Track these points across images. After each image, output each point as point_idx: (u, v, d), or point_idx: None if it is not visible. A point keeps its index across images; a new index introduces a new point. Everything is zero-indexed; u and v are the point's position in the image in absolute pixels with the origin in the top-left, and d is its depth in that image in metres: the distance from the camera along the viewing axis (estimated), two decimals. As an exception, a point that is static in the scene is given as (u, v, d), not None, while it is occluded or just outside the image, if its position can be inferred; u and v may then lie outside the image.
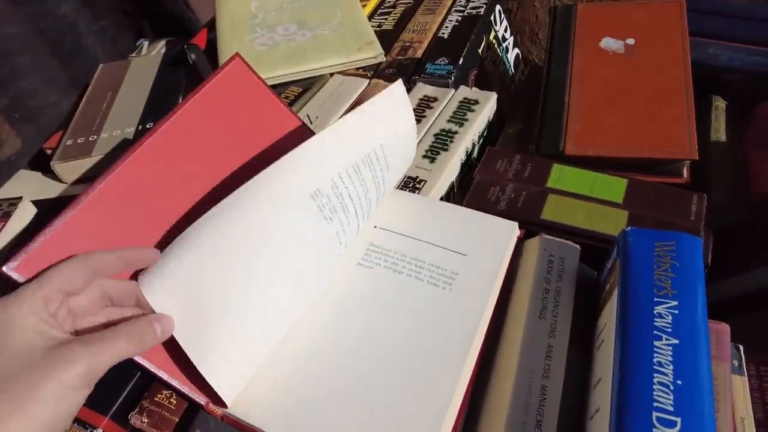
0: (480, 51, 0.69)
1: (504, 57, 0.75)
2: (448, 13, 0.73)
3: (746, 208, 0.50)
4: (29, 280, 0.30)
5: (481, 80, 0.69)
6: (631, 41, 0.58)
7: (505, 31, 0.77)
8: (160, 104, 0.73)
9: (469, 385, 0.35)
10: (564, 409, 0.34)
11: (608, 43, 0.58)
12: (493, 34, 0.73)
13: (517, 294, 0.40)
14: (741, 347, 0.37)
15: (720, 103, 0.59)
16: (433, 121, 0.58)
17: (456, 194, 0.56)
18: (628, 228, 0.37)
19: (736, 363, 0.36)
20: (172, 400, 0.37)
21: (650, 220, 0.45)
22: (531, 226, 0.46)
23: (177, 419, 0.37)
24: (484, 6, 0.72)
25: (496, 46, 0.73)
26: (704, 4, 0.66)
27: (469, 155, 0.57)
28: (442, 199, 0.53)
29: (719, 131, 0.57)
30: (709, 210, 0.49)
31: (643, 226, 0.44)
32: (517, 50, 0.80)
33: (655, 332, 0.32)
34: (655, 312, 0.33)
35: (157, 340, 0.32)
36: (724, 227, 0.52)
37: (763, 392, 0.36)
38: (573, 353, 0.36)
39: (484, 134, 0.60)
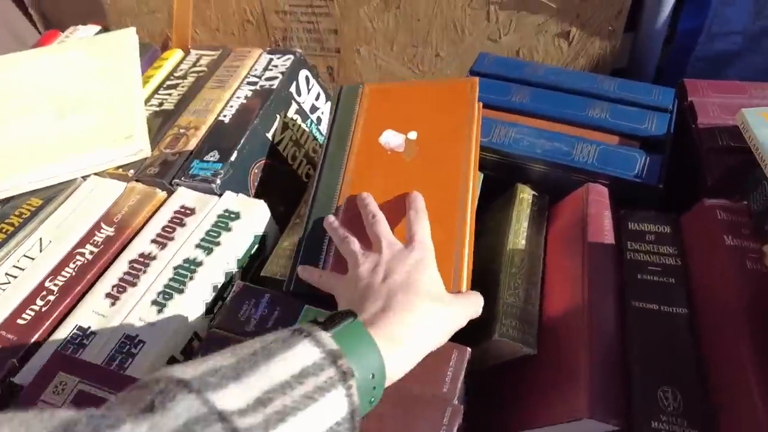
0: (272, 133, 0.59)
1: (313, 130, 0.66)
2: (239, 86, 0.62)
3: (535, 343, 0.42)
4: None
5: (274, 169, 0.59)
6: (413, 135, 0.48)
7: (317, 98, 0.67)
8: None
9: None
10: None
11: (388, 138, 0.49)
12: (294, 108, 0.63)
13: None
14: None
15: (525, 195, 0.51)
16: (180, 247, 0.47)
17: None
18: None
19: None
20: None
21: (393, 396, 0.36)
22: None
23: None
24: (280, 76, 0.62)
25: (299, 121, 0.63)
26: (512, 69, 0.57)
27: (224, 287, 0.47)
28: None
29: (518, 234, 0.48)
30: (483, 354, 0.41)
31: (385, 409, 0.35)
32: (339, 114, 0.70)
33: None
34: None
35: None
36: (506, 361, 0.44)
37: None
38: None
39: (253, 252, 0.50)
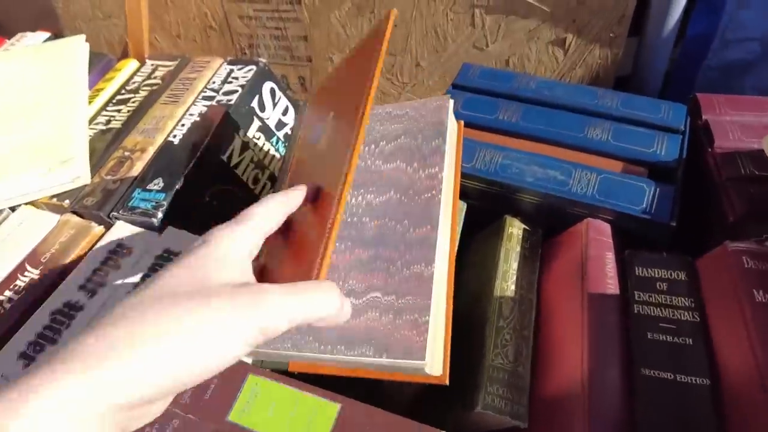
0: (228, 155, 0.52)
1: (279, 149, 0.59)
2: (194, 102, 0.55)
3: (526, 415, 0.36)
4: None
5: (231, 195, 0.52)
6: (330, 116, 0.39)
7: (284, 113, 0.60)
8: None
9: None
10: None
11: (314, 133, 0.40)
12: (257, 125, 0.56)
13: None
14: None
15: (515, 229, 0.44)
16: (109, 297, 0.41)
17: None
18: None
19: None
20: None
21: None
22: None
23: None
24: (240, 90, 0.55)
25: (262, 140, 0.57)
26: (500, 82, 0.51)
27: (160, 343, 0.40)
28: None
29: (507, 277, 0.42)
30: (465, 424, 0.34)
31: None
32: (312, 130, 0.64)
33: None
34: None
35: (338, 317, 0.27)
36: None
37: None
38: None
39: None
